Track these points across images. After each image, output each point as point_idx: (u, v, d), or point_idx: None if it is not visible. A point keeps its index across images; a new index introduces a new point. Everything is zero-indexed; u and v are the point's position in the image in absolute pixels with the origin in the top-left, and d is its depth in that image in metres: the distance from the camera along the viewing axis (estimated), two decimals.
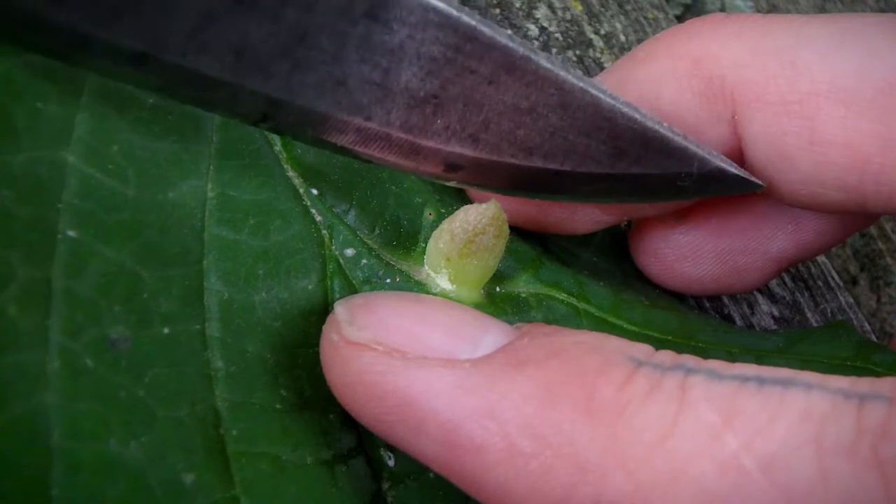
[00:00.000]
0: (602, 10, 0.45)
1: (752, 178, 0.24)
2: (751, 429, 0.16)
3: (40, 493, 0.17)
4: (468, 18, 0.20)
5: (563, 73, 0.21)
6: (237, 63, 0.17)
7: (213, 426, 0.20)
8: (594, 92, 0.22)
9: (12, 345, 0.18)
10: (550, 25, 0.42)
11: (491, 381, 0.18)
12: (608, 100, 0.22)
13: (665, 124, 0.23)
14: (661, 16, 0.49)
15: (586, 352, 0.18)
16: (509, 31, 0.20)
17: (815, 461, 0.15)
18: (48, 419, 0.18)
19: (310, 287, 0.23)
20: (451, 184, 0.23)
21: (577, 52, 0.43)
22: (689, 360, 0.18)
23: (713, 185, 0.24)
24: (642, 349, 0.19)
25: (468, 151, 0.21)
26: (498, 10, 0.40)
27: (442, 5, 0.19)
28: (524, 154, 0.21)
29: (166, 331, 0.20)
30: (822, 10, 0.58)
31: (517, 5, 0.41)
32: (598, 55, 0.44)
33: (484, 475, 0.17)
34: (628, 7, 0.47)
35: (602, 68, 0.43)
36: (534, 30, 0.41)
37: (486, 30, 0.20)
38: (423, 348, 0.19)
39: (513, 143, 0.21)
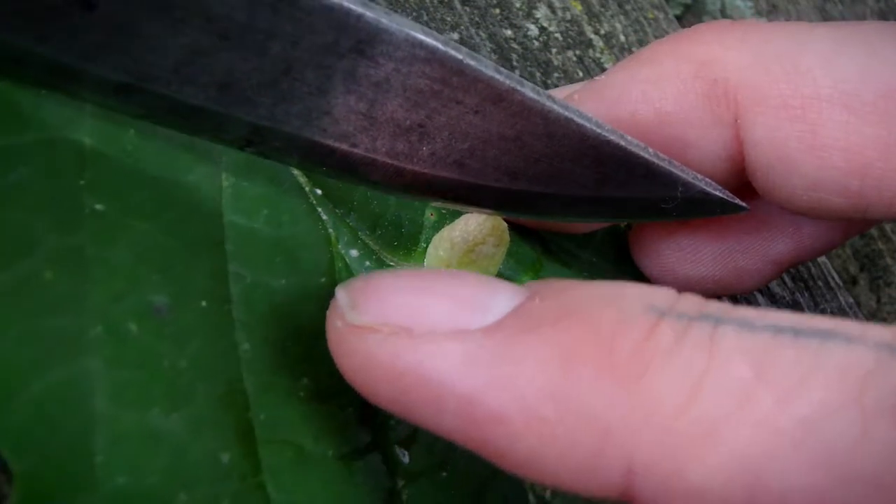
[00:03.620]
0: (602, 10, 0.46)
1: (736, 201, 0.25)
2: (786, 385, 0.15)
3: (84, 460, 0.18)
4: (455, 52, 0.20)
5: (548, 103, 0.22)
6: (222, 94, 0.18)
7: (243, 408, 0.21)
8: (579, 121, 0.22)
9: (51, 308, 0.18)
10: (550, 25, 0.42)
11: (504, 349, 0.17)
12: (593, 128, 0.23)
13: (650, 150, 0.24)
14: (661, 16, 0.49)
15: (602, 306, 0.18)
16: (495, 64, 0.21)
17: (857, 422, 0.15)
18: (91, 385, 0.18)
19: (322, 280, 0.24)
20: (436, 204, 0.23)
21: (577, 52, 0.43)
22: (716, 307, 0.17)
23: (697, 208, 0.25)
24: (664, 296, 0.18)
25: (453, 176, 0.21)
26: (498, 10, 0.40)
27: (429, 40, 0.20)
28: (509, 178, 0.22)
29: (204, 304, 0.21)
30: (822, 9, 0.58)
31: (517, 5, 0.41)
32: (598, 55, 0.44)
33: (510, 446, 0.17)
34: (628, 7, 0.48)
35: (602, 68, 0.44)
36: (534, 30, 0.41)
37: (473, 63, 0.21)
38: (430, 323, 0.18)
39: (498, 168, 0.22)
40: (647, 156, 0.23)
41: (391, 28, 0.19)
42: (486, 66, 0.21)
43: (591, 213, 0.24)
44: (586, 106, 0.28)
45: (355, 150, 0.20)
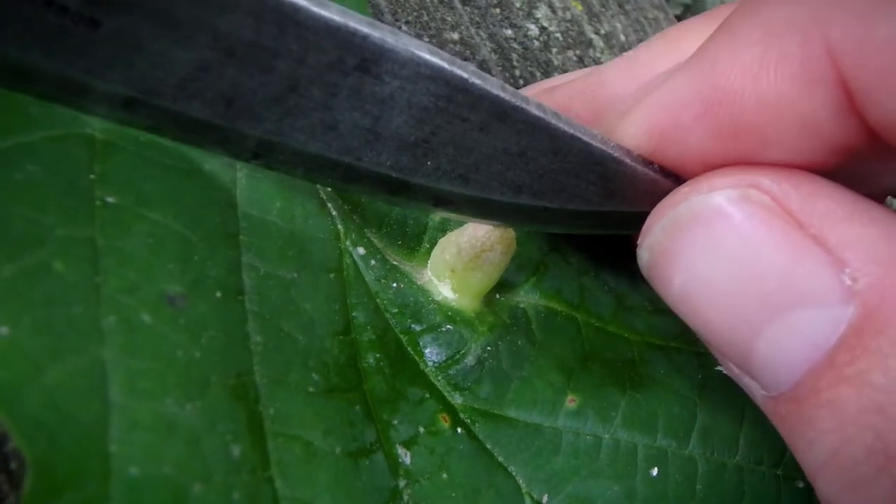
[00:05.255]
0: (602, 10, 0.46)
1: None
2: None
3: (98, 449, 0.18)
4: (460, 71, 0.21)
5: (553, 121, 0.22)
6: (228, 109, 0.19)
7: (254, 401, 0.21)
8: (585, 138, 0.23)
9: (62, 298, 0.19)
10: (551, 25, 0.42)
11: None
12: (599, 145, 0.23)
13: (656, 166, 0.24)
14: (661, 16, 0.49)
15: None
16: (501, 82, 0.22)
17: None
18: (105, 374, 0.19)
19: (331, 276, 0.24)
20: (441, 215, 0.23)
21: (577, 51, 0.43)
22: None
23: None
24: None
25: (457, 189, 0.22)
26: (498, 10, 0.40)
27: (434, 59, 0.20)
28: (513, 192, 0.23)
29: (219, 294, 0.21)
30: None
31: (517, 5, 0.41)
32: (598, 55, 0.44)
33: None
34: (628, 7, 0.48)
35: None
36: (534, 30, 0.42)
37: (478, 81, 0.21)
38: None
39: (502, 182, 0.23)
40: (652, 173, 0.24)
41: (396, 47, 0.19)
42: (491, 85, 0.21)
43: (596, 226, 0.25)
44: (615, 79, 0.28)
45: (360, 164, 0.21)
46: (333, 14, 0.18)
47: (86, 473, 0.17)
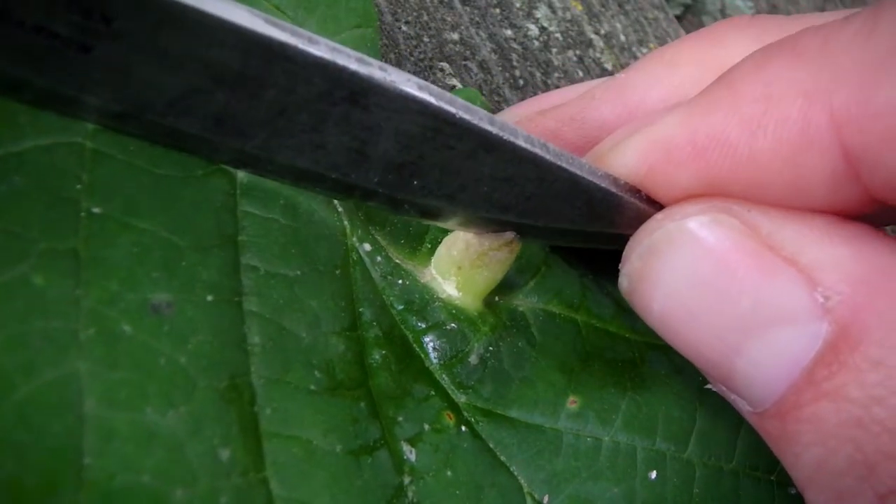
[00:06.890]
0: (602, 10, 0.46)
1: None
2: None
3: (71, 462, 0.18)
4: (448, 106, 0.21)
5: (541, 153, 0.22)
6: (217, 126, 0.19)
7: (248, 402, 0.21)
8: (572, 169, 0.23)
9: (40, 312, 0.19)
10: (550, 25, 0.43)
11: None
12: (585, 175, 0.23)
13: (643, 194, 0.24)
14: (661, 16, 0.50)
15: None
16: (490, 114, 0.22)
17: None
18: (80, 387, 0.18)
19: (337, 272, 0.24)
20: (430, 223, 0.23)
21: (578, 52, 0.43)
22: None
23: None
24: None
25: (444, 206, 0.22)
26: (498, 10, 0.41)
27: (422, 96, 0.20)
28: (499, 211, 0.23)
29: (210, 298, 0.21)
30: (822, 10, 0.58)
31: (517, 5, 0.42)
32: (598, 55, 0.44)
33: None
34: (628, 7, 0.48)
35: (602, 68, 0.44)
36: (534, 30, 0.42)
37: (466, 116, 0.21)
38: None
39: (488, 201, 0.23)
40: (639, 202, 0.24)
41: (384, 83, 0.19)
42: (479, 119, 0.21)
43: (581, 241, 0.25)
44: (606, 105, 0.28)
45: (348, 179, 0.21)
46: (322, 52, 0.18)
47: (58, 486, 0.17)
